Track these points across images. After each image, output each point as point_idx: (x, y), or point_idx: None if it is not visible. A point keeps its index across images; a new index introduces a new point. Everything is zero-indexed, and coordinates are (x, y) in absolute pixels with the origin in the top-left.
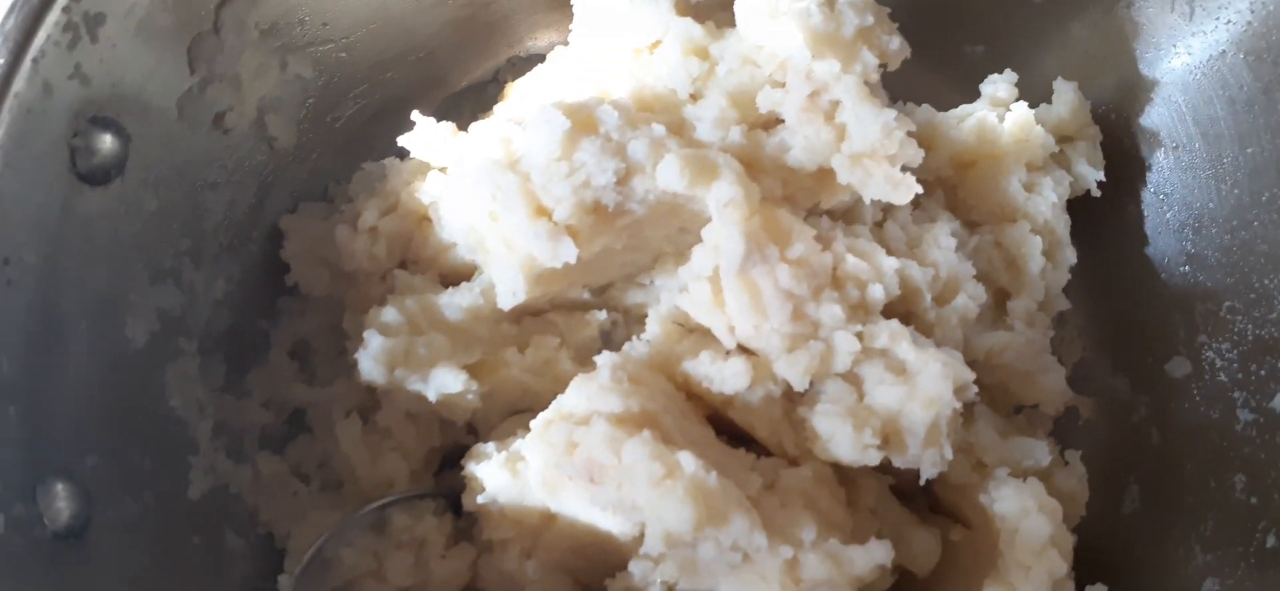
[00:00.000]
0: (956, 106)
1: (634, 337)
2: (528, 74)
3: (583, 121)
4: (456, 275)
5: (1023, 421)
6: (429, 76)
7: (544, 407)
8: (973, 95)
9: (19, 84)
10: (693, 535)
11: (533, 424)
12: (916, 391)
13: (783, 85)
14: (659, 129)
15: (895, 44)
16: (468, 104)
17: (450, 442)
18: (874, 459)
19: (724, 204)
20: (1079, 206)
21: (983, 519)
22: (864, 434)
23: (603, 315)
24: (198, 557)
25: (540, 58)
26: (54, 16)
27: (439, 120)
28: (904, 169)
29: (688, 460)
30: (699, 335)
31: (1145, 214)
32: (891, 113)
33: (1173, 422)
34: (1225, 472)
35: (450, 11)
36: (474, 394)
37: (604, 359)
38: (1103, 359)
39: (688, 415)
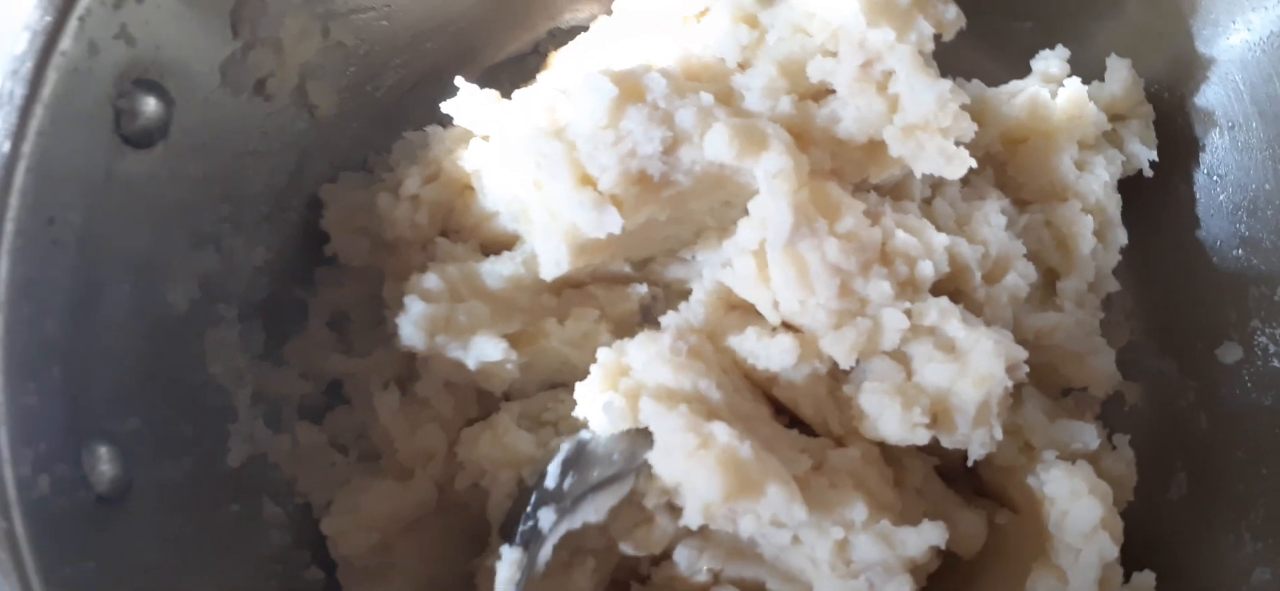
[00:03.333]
0: (1006, 83)
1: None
2: (571, 44)
3: (630, 89)
4: (498, 244)
5: (1070, 404)
6: (468, 47)
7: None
8: (1021, 72)
9: (65, 42)
10: (726, 505)
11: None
12: (967, 369)
13: (834, 54)
14: (707, 97)
15: (951, 13)
16: (506, 76)
17: (487, 414)
18: (923, 438)
19: (773, 175)
20: (1130, 186)
21: (1030, 502)
22: (913, 412)
23: (643, 289)
24: (236, 525)
25: (580, 30)
26: None
27: None
28: (957, 143)
29: (721, 431)
30: (743, 311)
31: (1198, 195)
32: (946, 83)
33: (1222, 408)
34: (1277, 460)
35: None
36: (513, 363)
37: (669, 320)
38: (1151, 343)
39: (741, 391)
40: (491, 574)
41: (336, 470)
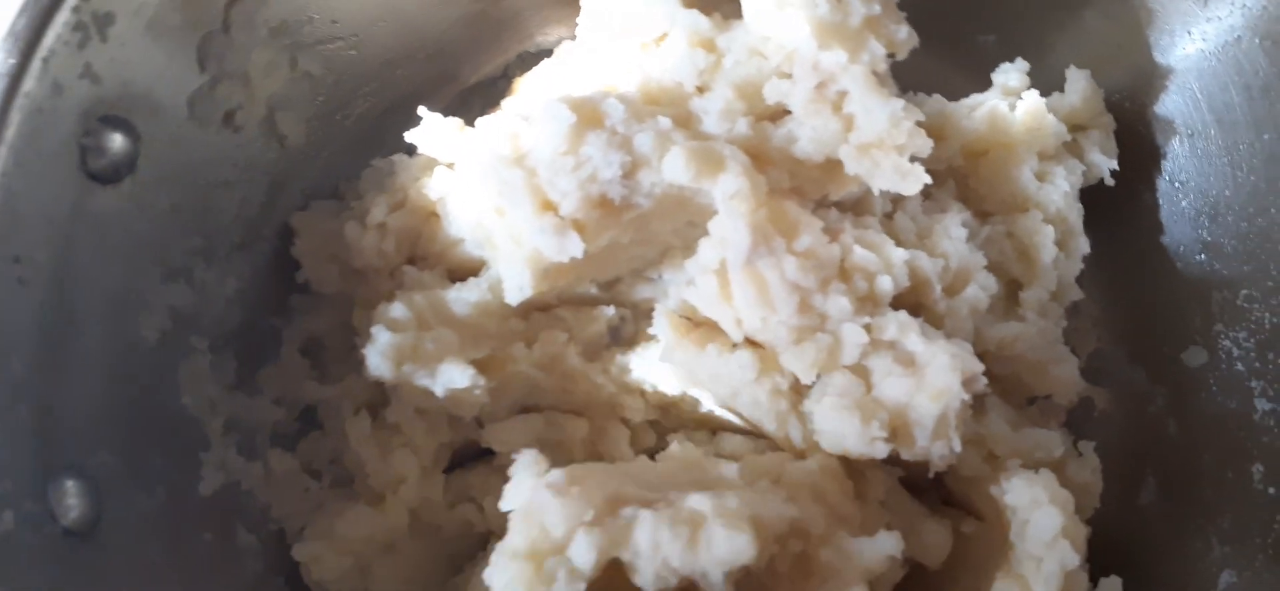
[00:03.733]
0: (968, 96)
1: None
2: (535, 69)
3: (588, 115)
4: (464, 271)
5: (1036, 412)
6: (439, 73)
7: (552, 404)
8: (985, 85)
9: (29, 83)
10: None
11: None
12: (924, 383)
13: (789, 76)
14: (665, 121)
15: (903, 33)
16: (478, 100)
17: (459, 438)
18: (881, 451)
19: (730, 196)
20: (1093, 196)
21: (994, 510)
22: (871, 426)
23: (610, 310)
24: (209, 554)
25: (550, 53)
26: (63, 16)
27: (448, 116)
28: (912, 159)
29: (700, 500)
30: (706, 328)
31: (1160, 202)
32: (899, 102)
33: (1190, 413)
34: (1243, 463)
35: (460, 8)
36: (481, 389)
37: (554, 478)
38: (1118, 349)
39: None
40: None
41: (310, 496)
